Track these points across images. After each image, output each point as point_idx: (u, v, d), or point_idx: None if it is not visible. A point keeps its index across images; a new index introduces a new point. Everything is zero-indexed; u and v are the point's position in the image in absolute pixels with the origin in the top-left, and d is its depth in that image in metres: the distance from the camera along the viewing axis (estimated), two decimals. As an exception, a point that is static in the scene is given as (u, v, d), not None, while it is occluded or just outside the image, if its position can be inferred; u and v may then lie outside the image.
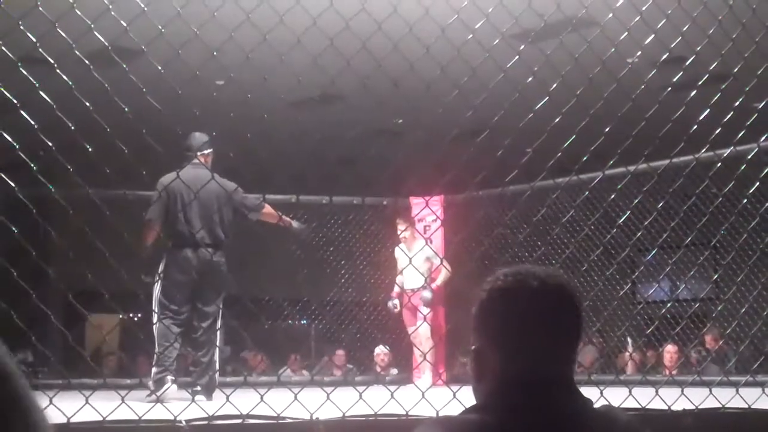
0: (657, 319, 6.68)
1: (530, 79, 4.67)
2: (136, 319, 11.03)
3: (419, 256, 7.58)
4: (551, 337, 1.79)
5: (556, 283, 1.81)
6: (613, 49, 4.77)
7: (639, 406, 4.39)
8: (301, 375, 11.25)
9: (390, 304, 9.11)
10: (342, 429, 4.01)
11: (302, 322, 13.10)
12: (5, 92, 3.91)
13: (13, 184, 4.02)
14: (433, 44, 4.54)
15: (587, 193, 5.39)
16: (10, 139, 3.93)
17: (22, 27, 3.83)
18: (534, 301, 1.78)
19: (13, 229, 3.97)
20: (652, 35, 4.80)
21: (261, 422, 3.92)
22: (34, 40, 3.91)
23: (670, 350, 9.28)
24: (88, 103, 3.96)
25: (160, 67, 4.24)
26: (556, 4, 4.77)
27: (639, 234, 5.51)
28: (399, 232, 8.78)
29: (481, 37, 4.70)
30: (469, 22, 4.66)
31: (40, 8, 3.90)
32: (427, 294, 8.58)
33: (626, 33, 4.72)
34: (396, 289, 9.06)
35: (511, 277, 1.82)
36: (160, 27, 4.21)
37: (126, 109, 3.99)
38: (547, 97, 4.61)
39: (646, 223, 5.44)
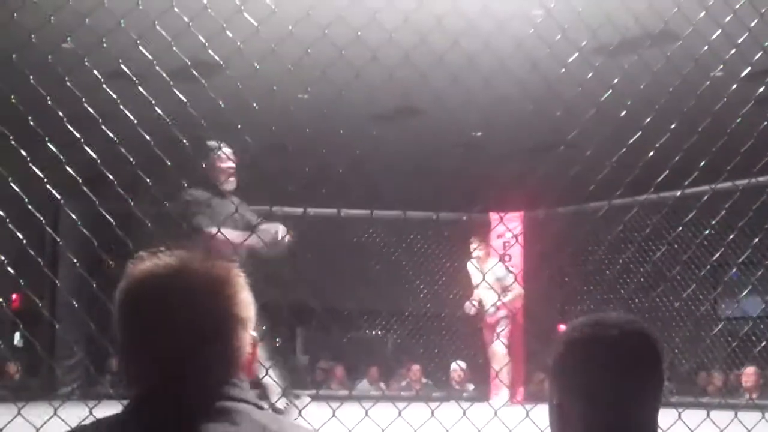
0: (738, 339, 6.49)
1: (608, 93, 4.61)
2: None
3: (489, 276, 7.60)
4: (634, 386, 1.72)
5: (635, 330, 1.75)
6: (693, 64, 4.68)
7: None
8: (378, 387, 11.27)
9: (467, 304, 9.05)
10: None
11: (376, 333, 13.12)
12: (89, 108, 4.00)
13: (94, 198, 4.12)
14: (509, 58, 4.52)
15: (665, 209, 5.29)
16: (92, 153, 4.03)
17: (105, 44, 3.93)
18: (614, 351, 1.72)
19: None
20: (734, 50, 4.70)
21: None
22: (117, 56, 4.02)
23: (749, 372, 9.00)
24: (168, 119, 4.03)
25: (239, 83, 4.30)
26: (634, 18, 4.71)
27: (720, 251, 5.38)
28: (472, 251, 8.77)
29: (558, 52, 4.67)
30: (546, 36, 4.64)
31: (122, 25, 4.00)
32: (492, 310, 8.52)
33: (706, 47, 4.63)
34: (475, 294, 9.01)
35: (588, 328, 1.76)
36: (239, 43, 4.27)
37: (203, 123, 4.05)
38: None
39: (728, 239, 5.31)
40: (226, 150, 5.68)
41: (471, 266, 8.90)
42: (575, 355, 1.75)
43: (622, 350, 1.72)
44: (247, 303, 1.53)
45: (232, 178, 5.72)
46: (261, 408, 1.47)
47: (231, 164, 5.68)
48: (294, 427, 1.46)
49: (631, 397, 1.72)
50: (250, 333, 1.54)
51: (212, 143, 5.64)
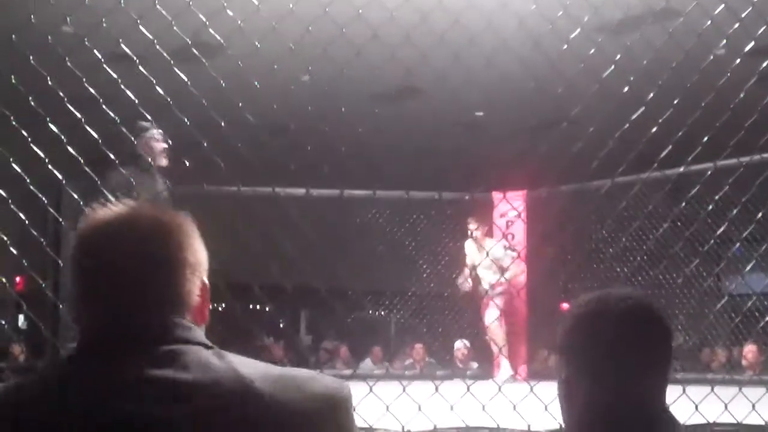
0: (741, 314, 6.48)
1: (611, 69, 4.59)
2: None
3: (490, 258, 7.60)
4: (641, 361, 1.71)
5: (642, 305, 1.74)
6: (696, 39, 4.65)
7: (734, 422, 4.20)
8: (382, 367, 11.29)
9: (461, 279, 9.00)
10: None
11: (380, 313, 13.16)
12: (90, 89, 3.99)
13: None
14: (511, 36, 4.50)
15: (669, 185, 5.28)
16: (95, 134, 4.03)
17: (105, 24, 3.91)
18: (622, 325, 1.70)
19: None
20: (737, 24, 4.67)
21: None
22: (117, 37, 4.00)
23: (749, 350, 8.97)
24: (169, 99, 4.02)
25: (239, 62, 4.29)
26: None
27: (724, 227, 5.37)
28: (470, 232, 8.75)
29: (560, 30, 4.65)
30: (548, 15, 4.62)
31: (122, 4, 3.98)
32: (490, 291, 8.42)
33: (709, 22, 4.60)
34: (466, 271, 8.94)
35: (595, 303, 1.75)
36: (239, 22, 4.26)
37: (204, 102, 4.04)
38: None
39: (731, 215, 5.30)
40: (158, 131, 5.97)
41: (468, 246, 8.89)
42: (582, 329, 1.74)
43: (629, 324, 1.71)
44: (197, 249, 1.53)
45: (164, 157, 6.03)
46: (209, 347, 1.45)
47: (164, 144, 5.99)
48: (242, 361, 1.43)
49: (637, 372, 1.71)
50: (202, 279, 1.53)
51: (145, 124, 5.81)
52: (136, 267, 1.46)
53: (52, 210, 4.16)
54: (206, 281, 1.54)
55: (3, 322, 5.09)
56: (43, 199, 4.30)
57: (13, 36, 3.96)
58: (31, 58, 3.90)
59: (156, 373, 1.37)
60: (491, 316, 8.43)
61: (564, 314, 1.79)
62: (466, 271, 8.85)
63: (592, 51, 4.61)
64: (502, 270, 8.06)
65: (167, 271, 1.48)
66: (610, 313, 1.72)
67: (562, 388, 1.79)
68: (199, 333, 1.48)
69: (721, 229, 5.44)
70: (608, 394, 1.70)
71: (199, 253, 1.53)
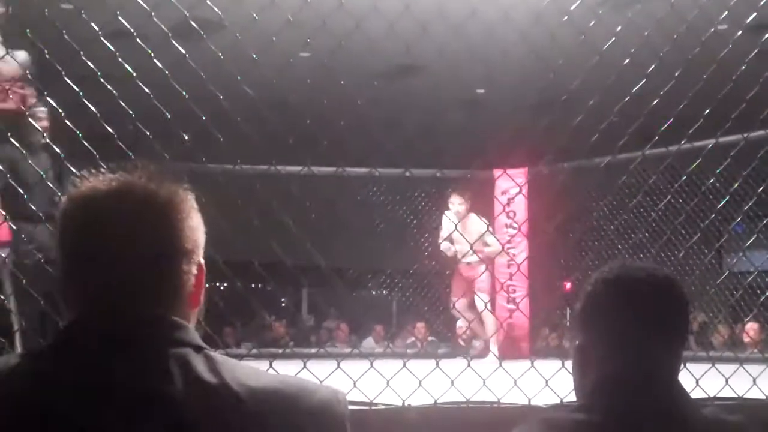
0: (743, 289, 6.46)
1: (612, 40, 4.55)
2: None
3: (473, 233, 7.39)
4: (658, 331, 1.73)
5: (663, 275, 1.77)
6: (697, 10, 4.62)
7: (735, 395, 4.19)
8: (383, 345, 11.31)
9: (444, 246, 8.82)
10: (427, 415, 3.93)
11: (381, 291, 13.18)
12: (89, 63, 3.97)
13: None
14: (513, 10, 4.47)
15: (669, 159, 5.26)
16: (93, 108, 4.00)
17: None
18: (641, 292, 1.73)
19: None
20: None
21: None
22: (114, 12, 3.97)
23: (750, 328, 8.96)
24: (167, 71, 3.99)
25: (238, 35, 4.25)
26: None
27: (723, 201, 5.35)
28: (452, 206, 8.54)
29: (561, 3, 4.61)
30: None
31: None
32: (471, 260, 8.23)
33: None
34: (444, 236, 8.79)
35: (617, 269, 1.78)
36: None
37: (203, 76, 4.01)
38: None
39: (731, 189, 5.28)
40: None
41: (446, 219, 8.72)
42: (602, 294, 1.77)
43: (648, 291, 1.74)
44: (194, 229, 1.41)
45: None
46: (200, 349, 1.35)
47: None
48: (232, 371, 1.33)
49: (653, 342, 1.73)
50: (198, 263, 1.42)
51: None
52: (124, 257, 1.35)
53: (50, 184, 4.14)
54: (202, 262, 1.44)
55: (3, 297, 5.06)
56: (42, 174, 4.29)
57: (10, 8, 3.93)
58: (27, 31, 3.88)
59: (136, 382, 1.27)
60: (476, 296, 8.35)
61: (586, 281, 1.82)
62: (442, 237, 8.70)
63: (593, 23, 4.58)
64: (485, 245, 7.96)
65: (160, 264, 1.38)
66: (631, 281, 1.75)
67: (576, 355, 1.80)
68: (191, 333, 1.37)
69: (721, 204, 5.42)
70: (622, 362, 1.72)
71: (197, 234, 1.43)
